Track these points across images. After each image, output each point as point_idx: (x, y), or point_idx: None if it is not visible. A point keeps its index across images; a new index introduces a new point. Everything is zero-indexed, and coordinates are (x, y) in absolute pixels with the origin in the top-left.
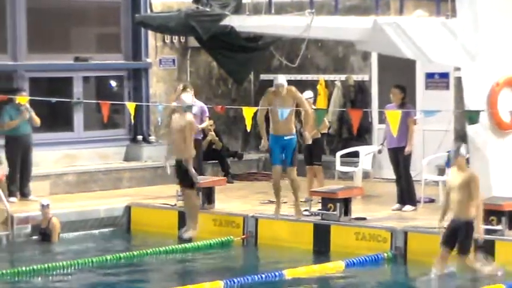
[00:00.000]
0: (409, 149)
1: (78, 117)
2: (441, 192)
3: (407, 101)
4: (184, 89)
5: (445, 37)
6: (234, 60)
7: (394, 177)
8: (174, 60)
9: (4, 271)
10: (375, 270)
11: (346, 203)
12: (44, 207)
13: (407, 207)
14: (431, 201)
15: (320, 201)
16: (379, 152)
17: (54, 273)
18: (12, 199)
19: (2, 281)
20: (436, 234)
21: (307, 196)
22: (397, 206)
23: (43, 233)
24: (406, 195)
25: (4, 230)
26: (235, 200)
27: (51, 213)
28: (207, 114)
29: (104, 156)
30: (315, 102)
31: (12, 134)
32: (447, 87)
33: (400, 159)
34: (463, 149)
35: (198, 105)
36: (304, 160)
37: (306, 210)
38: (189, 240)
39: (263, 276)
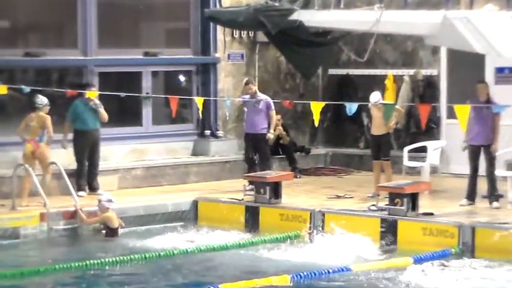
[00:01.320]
0: (496, 147)
1: (146, 112)
2: (510, 188)
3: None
4: (247, 83)
5: None
6: (302, 55)
7: (461, 172)
8: (242, 55)
9: (73, 264)
10: (443, 266)
11: (414, 198)
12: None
13: (495, 204)
14: (500, 196)
15: (387, 196)
16: (464, 149)
17: (121, 266)
18: (81, 193)
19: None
20: (504, 230)
21: (374, 191)
22: (465, 201)
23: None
24: (492, 191)
25: (73, 224)
26: (302, 194)
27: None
28: (273, 107)
29: (172, 151)
30: (382, 97)
31: (81, 128)
32: None
33: (486, 156)
34: None
35: (263, 98)
36: (372, 155)
37: (373, 205)
38: None
39: (330, 270)
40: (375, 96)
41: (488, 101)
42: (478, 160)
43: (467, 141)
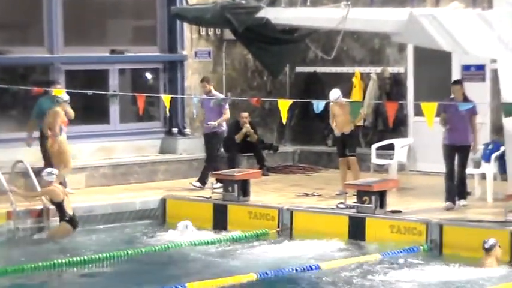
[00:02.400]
0: (476, 150)
1: (114, 110)
2: (477, 185)
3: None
4: (202, 81)
5: (482, 29)
6: (270, 52)
7: (429, 170)
8: (209, 53)
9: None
10: (411, 262)
11: (382, 195)
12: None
13: (462, 202)
14: (468, 194)
15: (355, 194)
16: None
17: (90, 264)
18: None
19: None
20: (471, 227)
21: (342, 189)
22: (448, 204)
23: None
24: (460, 189)
25: (40, 222)
26: (271, 192)
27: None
28: (227, 106)
29: (140, 149)
30: (349, 95)
31: None
32: (483, 80)
33: (459, 155)
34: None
35: (218, 97)
36: (337, 152)
37: (341, 203)
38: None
39: (298, 268)
40: (335, 93)
41: (465, 100)
42: (454, 160)
43: (443, 141)
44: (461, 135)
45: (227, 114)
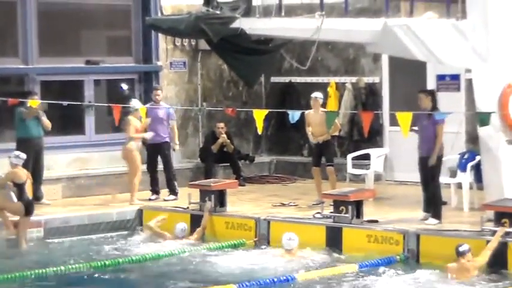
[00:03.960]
0: (433, 161)
1: (89, 121)
2: (453, 195)
3: (437, 106)
4: (156, 89)
5: (456, 39)
6: (245, 62)
7: (405, 179)
8: (184, 63)
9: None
10: (388, 272)
11: (358, 205)
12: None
13: (431, 221)
14: (444, 203)
15: (332, 203)
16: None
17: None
18: None
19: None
20: (448, 237)
21: (318, 198)
22: (424, 215)
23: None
24: (432, 206)
25: (15, 234)
26: (247, 202)
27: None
28: (174, 117)
29: (116, 160)
30: (325, 105)
31: (24, 136)
32: (458, 89)
33: (428, 168)
34: None
35: (165, 107)
36: (312, 161)
37: (318, 212)
38: None
39: (275, 279)
40: (317, 93)
41: (433, 110)
42: (425, 171)
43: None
44: (424, 146)
45: (175, 127)
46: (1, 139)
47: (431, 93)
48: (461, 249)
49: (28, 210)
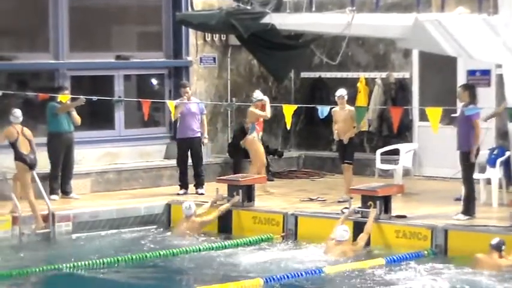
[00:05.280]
0: (473, 156)
1: (119, 116)
2: (482, 190)
3: (475, 101)
4: (180, 86)
5: (487, 34)
6: (275, 58)
7: (434, 174)
8: (214, 59)
9: (44, 267)
10: (415, 267)
11: (386, 200)
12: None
13: (461, 216)
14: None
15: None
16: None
17: (96, 269)
18: (53, 197)
19: (42, 276)
20: (476, 232)
21: (345, 195)
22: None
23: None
24: (463, 202)
25: (46, 228)
26: (275, 197)
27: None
28: (205, 112)
29: (145, 154)
30: (354, 100)
31: (55, 131)
32: (488, 85)
33: (460, 163)
34: None
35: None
36: (339, 157)
37: (346, 208)
38: None
39: (303, 273)
40: (340, 91)
41: (468, 105)
42: (462, 165)
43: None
44: (459, 141)
45: (205, 120)
46: (33, 133)
47: (469, 88)
48: (495, 243)
49: (29, 165)
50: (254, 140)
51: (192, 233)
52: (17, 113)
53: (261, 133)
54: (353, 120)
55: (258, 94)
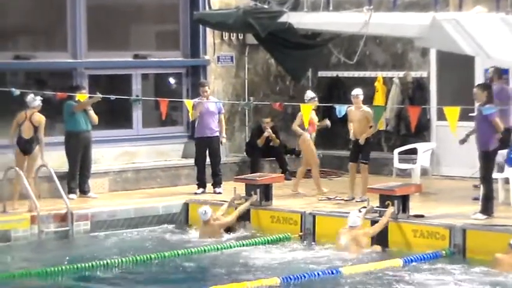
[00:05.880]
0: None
1: (136, 115)
2: (500, 190)
3: (492, 100)
4: (203, 86)
5: (505, 33)
6: (292, 57)
7: (452, 174)
8: (232, 58)
9: (64, 267)
10: (433, 267)
11: (404, 200)
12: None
13: (479, 216)
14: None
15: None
16: (462, 142)
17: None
18: (71, 196)
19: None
20: (494, 231)
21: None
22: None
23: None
24: (481, 201)
25: (64, 226)
26: (293, 196)
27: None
28: (223, 111)
29: (163, 153)
30: (372, 100)
31: (72, 130)
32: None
33: (481, 162)
34: None
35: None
36: (350, 157)
37: (364, 207)
38: None
39: (320, 273)
40: (356, 90)
41: (486, 104)
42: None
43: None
44: (478, 140)
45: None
46: (50, 132)
47: (487, 88)
48: None
49: (20, 149)
50: (306, 140)
51: (212, 236)
52: (30, 98)
53: (313, 133)
54: (368, 120)
55: (310, 93)
